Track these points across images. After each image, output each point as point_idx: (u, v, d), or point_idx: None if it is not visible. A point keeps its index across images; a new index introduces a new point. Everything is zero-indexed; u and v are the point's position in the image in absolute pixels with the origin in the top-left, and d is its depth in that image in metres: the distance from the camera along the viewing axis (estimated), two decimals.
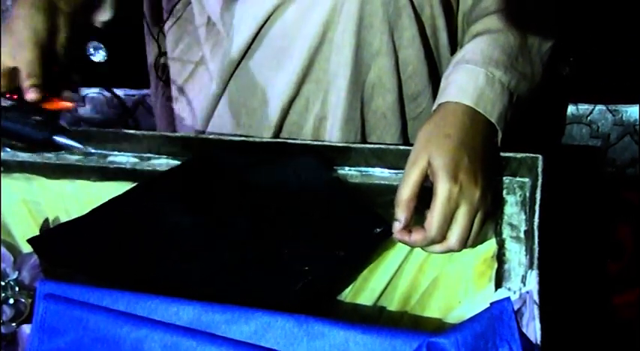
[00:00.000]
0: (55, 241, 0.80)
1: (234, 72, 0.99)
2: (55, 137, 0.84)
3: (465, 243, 0.75)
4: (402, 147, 0.87)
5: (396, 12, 0.85)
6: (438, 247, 0.75)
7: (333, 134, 0.94)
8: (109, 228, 0.81)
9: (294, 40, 0.89)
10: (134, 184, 0.86)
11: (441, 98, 0.82)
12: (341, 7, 0.85)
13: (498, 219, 0.81)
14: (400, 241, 0.76)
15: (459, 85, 0.81)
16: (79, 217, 0.83)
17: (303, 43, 0.89)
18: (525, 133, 0.92)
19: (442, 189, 0.73)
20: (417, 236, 0.75)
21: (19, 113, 0.85)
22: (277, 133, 0.98)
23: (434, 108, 0.82)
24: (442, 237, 0.74)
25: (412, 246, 0.77)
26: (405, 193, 0.75)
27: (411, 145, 0.79)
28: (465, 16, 0.94)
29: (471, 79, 0.81)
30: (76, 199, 0.87)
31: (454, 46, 0.94)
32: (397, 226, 0.75)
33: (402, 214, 0.75)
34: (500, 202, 0.83)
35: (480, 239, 0.77)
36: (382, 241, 0.78)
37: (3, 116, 0.84)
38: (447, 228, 0.74)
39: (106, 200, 0.84)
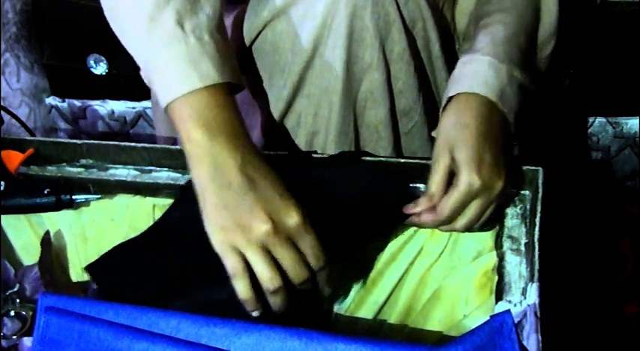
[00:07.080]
0: (112, 267, 0.79)
1: None
2: (74, 197, 0.87)
3: (469, 229, 0.78)
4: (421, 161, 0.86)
5: (386, 26, 0.85)
6: (443, 227, 0.79)
7: (326, 148, 0.94)
8: (161, 250, 0.80)
9: (286, 55, 0.89)
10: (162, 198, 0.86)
11: (459, 87, 0.81)
12: (331, 22, 0.85)
13: (499, 231, 0.81)
14: (408, 220, 0.79)
15: (482, 77, 0.81)
16: (130, 240, 0.81)
17: (294, 59, 0.89)
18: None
19: (464, 181, 0.75)
20: (426, 218, 0.78)
21: (25, 188, 0.87)
22: None
23: (448, 95, 0.82)
24: (450, 221, 0.77)
25: (418, 225, 0.80)
26: (432, 188, 0.78)
27: (408, 158, 0.79)
28: (471, 14, 0.93)
29: (494, 74, 0.81)
30: (78, 211, 0.88)
31: (449, 57, 0.94)
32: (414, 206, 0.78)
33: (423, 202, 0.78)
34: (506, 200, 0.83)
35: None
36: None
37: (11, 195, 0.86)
38: (459, 214, 0.77)
39: (157, 220, 0.83)
